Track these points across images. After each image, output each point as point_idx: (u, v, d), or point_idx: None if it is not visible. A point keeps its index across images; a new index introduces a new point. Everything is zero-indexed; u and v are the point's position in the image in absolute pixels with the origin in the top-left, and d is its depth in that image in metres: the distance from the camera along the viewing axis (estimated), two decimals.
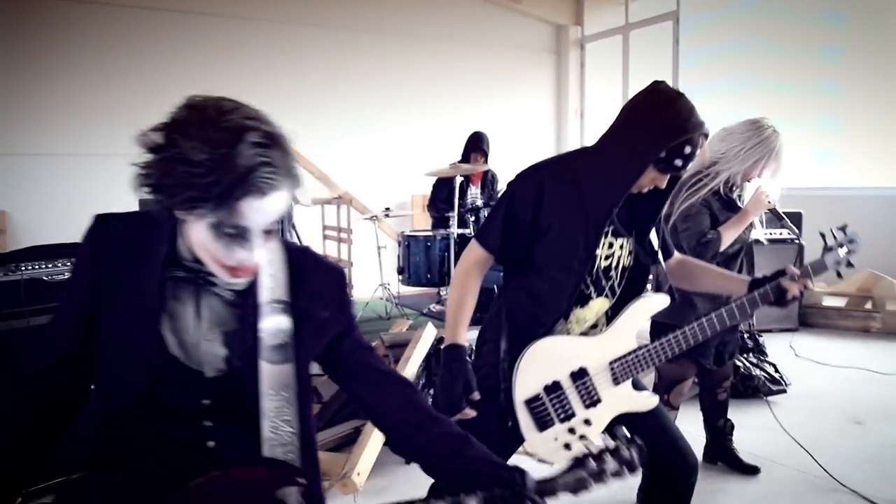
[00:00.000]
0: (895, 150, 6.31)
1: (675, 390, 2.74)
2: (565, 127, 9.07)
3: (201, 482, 1.14)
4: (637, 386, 1.92)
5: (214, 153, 1.04)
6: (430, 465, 1.29)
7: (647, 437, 1.85)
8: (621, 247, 1.89)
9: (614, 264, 1.89)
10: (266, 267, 1.22)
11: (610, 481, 1.21)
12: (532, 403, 1.79)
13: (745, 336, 4.46)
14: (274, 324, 1.19)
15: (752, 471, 3.06)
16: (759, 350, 4.39)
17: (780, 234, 5.72)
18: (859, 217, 6.45)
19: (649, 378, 3.17)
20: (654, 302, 1.89)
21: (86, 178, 5.90)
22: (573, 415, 1.81)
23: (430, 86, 7.82)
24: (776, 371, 4.22)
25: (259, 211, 1.09)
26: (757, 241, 2.88)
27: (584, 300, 1.86)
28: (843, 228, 2.25)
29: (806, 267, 2.10)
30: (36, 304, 2.93)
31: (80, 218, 4.96)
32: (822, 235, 2.18)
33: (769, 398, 4.02)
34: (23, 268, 2.91)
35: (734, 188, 2.70)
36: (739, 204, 2.70)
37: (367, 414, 1.37)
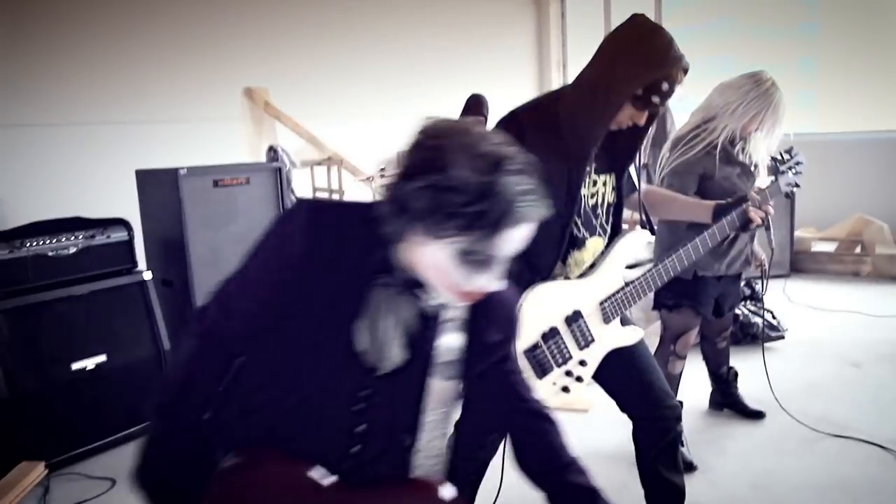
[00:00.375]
0: (879, 95, 6.33)
1: (680, 341, 2.79)
2: (548, 79, 8.99)
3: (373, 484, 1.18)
4: (624, 321, 1.97)
5: (482, 181, 1.03)
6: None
7: (630, 380, 1.95)
8: (605, 183, 1.92)
9: (600, 202, 1.93)
10: None
11: None
12: (532, 352, 1.82)
13: (743, 284, 4.53)
14: (450, 341, 1.21)
15: (757, 416, 3.15)
16: (757, 297, 4.47)
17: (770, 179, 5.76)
18: (849, 162, 6.53)
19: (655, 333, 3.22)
20: (637, 238, 1.93)
21: (70, 151, 5.78)
22: (570, 358, 1.86)
23: (408, 39, 7.68)
24: (774, 318, 4.31)
25: (514, 240, 1.08)
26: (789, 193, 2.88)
27: (579, 243, 1.89)
28: (789, 151, 2.42)
29: (764, 191, 2.22)
30: (43, 279, 2.91)
31: (65, 190, 4.85)
32: (774, 160, 2.33)
33: (767, 344, 4.12)
34: (27, 244, 2.88)
35: (735, 142, 2.70)
36: (741, 158, 2.70)
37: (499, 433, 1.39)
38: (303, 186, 6.33)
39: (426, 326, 1.20)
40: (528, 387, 1.36)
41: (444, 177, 1.02)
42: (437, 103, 6.20)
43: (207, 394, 1.22)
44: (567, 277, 1.89)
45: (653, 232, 2.01)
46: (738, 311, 4.16)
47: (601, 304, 1.89)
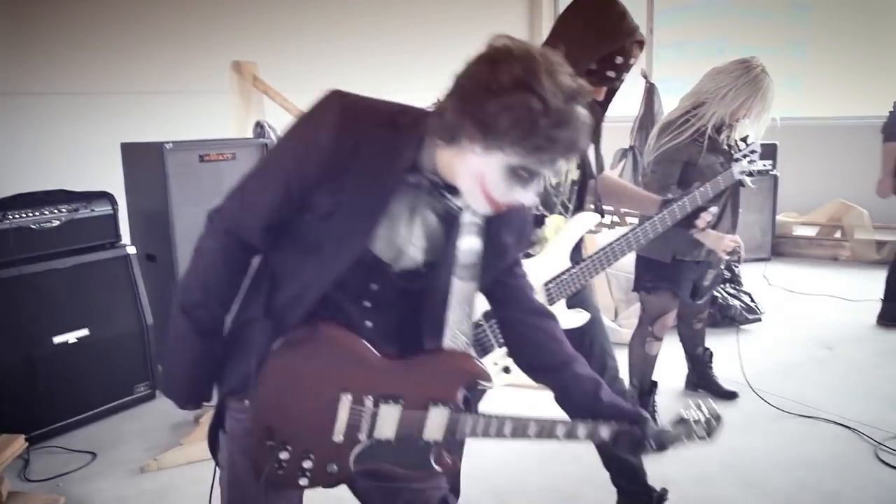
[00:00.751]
0: (866, 80, 6.37)
1: (658, 322, 2.84)
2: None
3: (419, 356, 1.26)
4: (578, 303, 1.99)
5: (565, 108, 1.08)
6: (569, 400, 1.38)
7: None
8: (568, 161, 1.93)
9: (563, 179, 1.94)
10: None
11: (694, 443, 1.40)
12: (475, 330, 1.82)
13: (723, 268, 4.60)
14: (469, 244, 1.26)
15: (730, 396, 3.22)
16: (736, 280, 4.53)
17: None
18: (830, 147, 6.57)
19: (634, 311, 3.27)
20: (584, 220, 1.94)
21: (55, 121, 5.73)
22: None
23: (399, 15, 7.63)
24: (752, 300, 4.38)
25: (558, 164, 1.14)
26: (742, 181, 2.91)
27: (538, 221, 1.90)
28: (744, 139, 2.47)
29: (716, 179, 2.24)
30: (26, 252, 2.91)
31: (50, 162, 4.79)
32: (730, 147, 2.40)
33: (745, 326, 4.20)
34: (10, 216, 2.88)
35: (722, 129, 2.72)
36: (726, 146, 2.73)
37: (509, 341, 1.44)
38: None
39: (449, 230, 1.25)
40: (532, 287, 1.45)
41: (536, 98, 1.06)
42: (427, 80, 6.17)
43: (228, 292, 1.28)
44: (529, 255, 1.90)
45: (602, 215, 2.03)
46: (716, 294, 4.22)
47: (546, 284, 1.89)
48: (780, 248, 6.05)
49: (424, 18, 7.90)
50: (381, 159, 1.17)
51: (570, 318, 1.95)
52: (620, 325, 3.99)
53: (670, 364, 3.40)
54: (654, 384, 2.89)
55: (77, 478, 2.72)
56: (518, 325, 1.40)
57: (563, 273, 1.91)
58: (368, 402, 1.23)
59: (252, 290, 1.30)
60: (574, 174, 1.97)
